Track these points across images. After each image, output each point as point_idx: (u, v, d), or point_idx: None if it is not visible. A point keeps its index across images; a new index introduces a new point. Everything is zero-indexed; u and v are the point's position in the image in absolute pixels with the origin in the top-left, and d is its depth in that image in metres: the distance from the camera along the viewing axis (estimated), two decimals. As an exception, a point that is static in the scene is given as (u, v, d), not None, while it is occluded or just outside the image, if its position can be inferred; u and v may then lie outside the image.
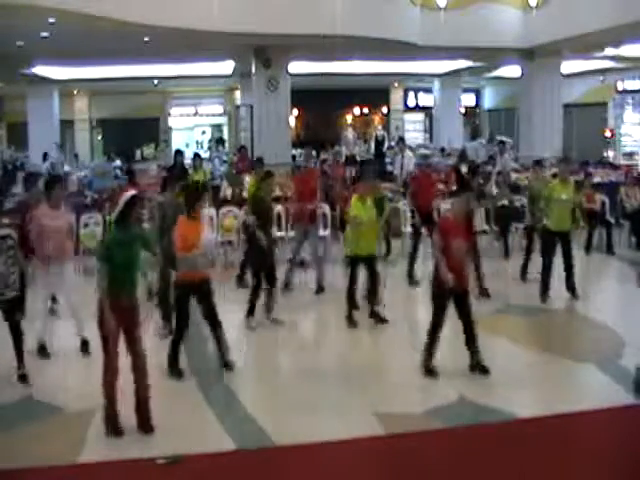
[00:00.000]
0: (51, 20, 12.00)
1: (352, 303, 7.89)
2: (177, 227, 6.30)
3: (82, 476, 4.76)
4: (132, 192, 5.39)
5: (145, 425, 5.23)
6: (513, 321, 8.13)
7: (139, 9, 12.12)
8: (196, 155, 13.68)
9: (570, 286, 8.60)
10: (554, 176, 10.36)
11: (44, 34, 13.35)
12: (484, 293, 8.64)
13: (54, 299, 7.63)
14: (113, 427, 5.18)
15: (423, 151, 11.42)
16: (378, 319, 7.84)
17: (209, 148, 24.72)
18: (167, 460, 4.75)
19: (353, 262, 7.80)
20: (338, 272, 9.16)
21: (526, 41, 17.02)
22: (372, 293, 7.91)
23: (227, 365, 6.42)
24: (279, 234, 10.53)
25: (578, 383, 6.19)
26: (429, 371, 6.21)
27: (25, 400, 5.88)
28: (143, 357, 5.32)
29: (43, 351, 6.85)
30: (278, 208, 10.58)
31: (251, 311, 7.72)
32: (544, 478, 4.67)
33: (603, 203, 12.52)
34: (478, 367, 6.22)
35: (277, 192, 11.34)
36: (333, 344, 7.55)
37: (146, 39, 14.25)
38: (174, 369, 6.31)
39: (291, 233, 10.33)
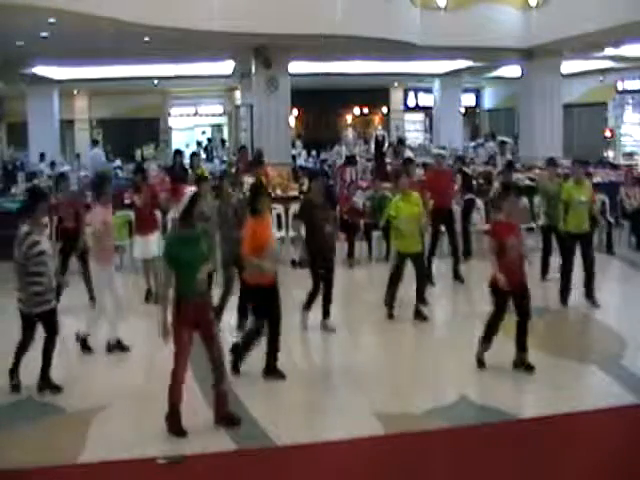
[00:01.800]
0: (51, 20, 11.99)
1: (392, 301, 7.95)
2: (246, 228, 6.18)
3: (82, 476, 4.76)
4: (193, 189, 5.35)
5: (227, 419, 5.25)
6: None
7: (139, 9, 12.10)
8: (193, 155, 13.67)
9: (589, 293, 8.43)
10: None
11: (44, 34, 13.34)
12: None
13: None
14: (177, 429, 5.15)
15: (438, 151, 11.52)
16: (421, 317, 7.91)
17: (205, 148, 24.78)
18: (167, 460, 4.76)
19: (399, 260, 7.87)
20: (339, 272, 9.13)
21: (526, 41, 17.00)
22: (418, 291, 7.96)
23: (274, 372, 6.29)
24: (279, 234, 10.55)
25: (579, 383, 6.19)
26: (480, 362, 6.45)
27: (25, 400, 5.87)
28: (221, 353, 5.29)
29: (85, 345, 6.98)
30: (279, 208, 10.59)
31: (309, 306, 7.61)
32: (544, 478, 4.67)
33: (603, 203, 12.52)
34: (524, 365, 6.35)
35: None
36: (333, 344, 7.53)
37: (146, 39, 14.24)
38: (238, 368, 6.28)
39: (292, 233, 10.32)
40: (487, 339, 6.47)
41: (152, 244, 8.57)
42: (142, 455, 4.88)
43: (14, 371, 6.02)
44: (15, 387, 6.01)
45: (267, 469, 4.76)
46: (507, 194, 6.52)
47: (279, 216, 11.19)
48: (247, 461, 4.90)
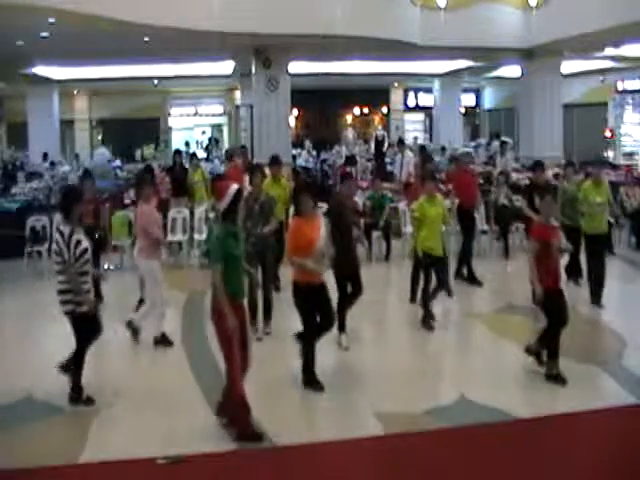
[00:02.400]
0: (51, 20, 11.99)
1: (427, 304, 7.79)
2: (291, 227, 6.17)
3: (82, 476, 4.76)
4: (236, 186, 5.30)
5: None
6: (514, 321, 8.12)
7: (139, 9, 12.10)
8: (193, 155, 13.68)
9: (596, 294, 8.43)
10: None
11: (44, 34, 13.35)
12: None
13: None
14: (253, 434, 5.06)
15: (464, 149, 11.58)
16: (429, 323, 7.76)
17: (205, 147, 24.78)
18: (167, 460, 4.75)
19: (426, 261, 7.79)
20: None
21: (526, 41, 17.02)
22: (433, 293, 7.87)
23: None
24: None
25: (579, 383, 6.18)
26: (556, 377, 6.07)
27: (25, 400, 5.87)
28: (250, 357, 5.25)
29: (165, 340, 7.18)
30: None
31: (342, 326, 7.15)
32: (544, 478, 4.67)
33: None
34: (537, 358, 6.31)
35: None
36: (333, 344, 7.53)
37: (146, 39, 14.25)
38: (313, 381, 6.05)
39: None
40: (554, 354, 6.10)
41: None
42: (142, 455, 4.88)
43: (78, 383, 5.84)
44: (89, 400, 5.79)
45: (267, 469, 4.76)
46: (543, 195, 6.42)
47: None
48: (247, 461, 4.90)
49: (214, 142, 25.76)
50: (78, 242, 5.74)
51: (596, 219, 8.38)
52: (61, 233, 5.75)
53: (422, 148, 16.23)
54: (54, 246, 5.81)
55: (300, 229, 6.02)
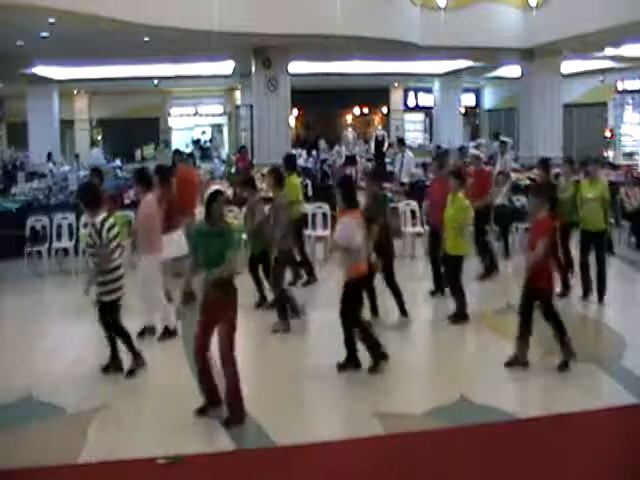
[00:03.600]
0: (51, 20, 12.00)
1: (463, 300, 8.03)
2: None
3: (82, 476, 4.76)
4: (215, 187, 5.45)
5: (230, 418, 5.34)
6: (514, 321, 8.10)
7: (139, 9, 12.12)
8: (190, 155, 13.68)
9: (599, 289, 8.52)
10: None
11: (44, 34, 13.36)
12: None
13: None
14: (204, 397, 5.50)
15: (474, 152, 11.61)
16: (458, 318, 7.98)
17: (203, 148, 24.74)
18: (167, 460, 4.75)
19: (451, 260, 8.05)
20: (338, 273, 9.11)
21: (526, 41, 17.04)
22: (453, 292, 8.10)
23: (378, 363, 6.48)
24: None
25: (579, 383, 6.18)
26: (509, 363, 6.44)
27: (25, 400, 5.87)
28: (225, 350, 5.32)
29: (170, 333, 7.39)
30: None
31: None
32: (544, 478, 4.67)
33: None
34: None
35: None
36: (333, 344, 7.53)
37: (146, 39, 14.26)
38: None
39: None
40: (519, 341, 6.53)
41: (175, 243, 8.56)
42: (142, 455, 4.88)
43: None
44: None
45: (267, 469, 4.76)
46: (534, 195, 6.56)
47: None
48: (247, 461, 4.90)
49: (193, 143, 25.60)
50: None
51: (591, 215, 8.43)
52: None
53: (438, 148, 16.24)
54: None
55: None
